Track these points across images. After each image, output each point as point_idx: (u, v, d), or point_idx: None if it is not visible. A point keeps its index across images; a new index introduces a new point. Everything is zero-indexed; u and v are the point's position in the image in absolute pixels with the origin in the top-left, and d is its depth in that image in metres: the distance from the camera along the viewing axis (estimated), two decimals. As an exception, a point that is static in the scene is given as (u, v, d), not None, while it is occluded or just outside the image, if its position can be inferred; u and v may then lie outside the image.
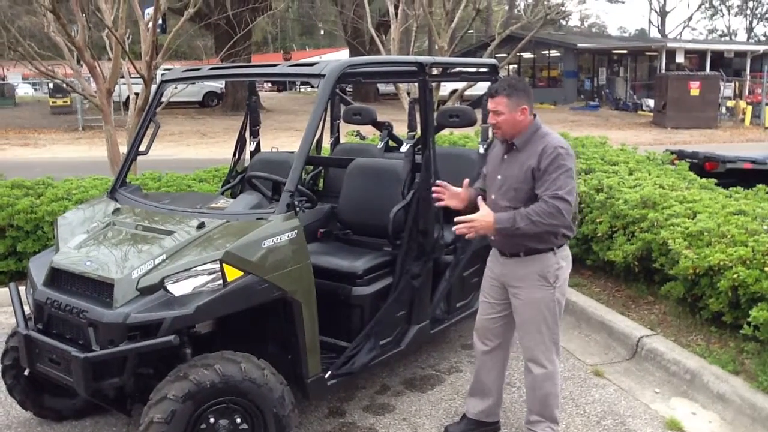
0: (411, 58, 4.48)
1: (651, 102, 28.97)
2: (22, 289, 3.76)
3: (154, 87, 4.86)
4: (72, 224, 3.84)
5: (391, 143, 5.67)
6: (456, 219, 3.38)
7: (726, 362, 4.30)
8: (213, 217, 3.51)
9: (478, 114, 4.91)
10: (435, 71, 4.62)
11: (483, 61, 5.49)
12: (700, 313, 4.85)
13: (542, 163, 3.33)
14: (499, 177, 3.50)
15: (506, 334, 3.75)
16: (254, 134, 5.29)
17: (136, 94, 8.17)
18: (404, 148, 4.66)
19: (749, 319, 4.02)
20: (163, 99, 4.66)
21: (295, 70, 4.09)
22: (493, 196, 3.54)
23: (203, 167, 7.60)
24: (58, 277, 3.43)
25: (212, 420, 3.13)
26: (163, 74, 4.69)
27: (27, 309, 3.56)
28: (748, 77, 32.18)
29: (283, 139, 16.79)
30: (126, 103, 9.58)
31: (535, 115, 3.46)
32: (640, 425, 3.96)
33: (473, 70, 5.54)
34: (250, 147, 5.27)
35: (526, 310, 3.53)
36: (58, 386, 3.63)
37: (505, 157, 3.50)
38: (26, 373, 3.62)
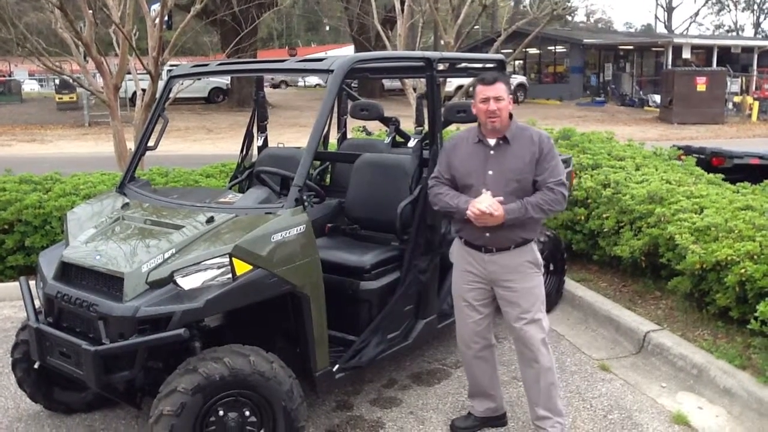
0: (419, 53, 4.48)
1: (657, 98, 28.90)
2: (32, 283, 3.78)
3: (161, 83, 4.89)
4: (81, 219, 3.85)
5: (398, 138, 5.68)
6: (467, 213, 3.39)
7: (733, 357, 4.30)
8: (222, 211, 3.52)
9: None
10: (442, 67, 4.62)
11: (490, 57, 5.49)
12: (707, 308, 4.85)
13: (543, 150, 3.41)
14: (490, 172, 3.45)
15: (491, 332, 3.78)
16: (261, 130, 5.30)
17: (143, 89, 8.20)
18: (412, 143, 4.66)
19: (756, 314, 4.02)
20: (171, 94, 4.67)
21: (304, 66, 4.11)
22: (483, 192, 3.46)
23: (209, 163, 7.62)
24: (68, 271, 3.45)
25: (221, 413, 3.14)
26: (170, 70, 4.71)
27: (37, 303, 3.58)
28: (755, 73, 32.07)
29: (288, 135, 16.81)
30: (132, 99, 9.61)
31: None
32: (647, 419, 3.97)
33: (480, 65, 5.53)
34: (257, 142, 5.29)
35: (522, 300, 3.53)
36: (68, 379, 3.67)
37: (492, 152, 3.48)
38: (36, 366, 3.62)
